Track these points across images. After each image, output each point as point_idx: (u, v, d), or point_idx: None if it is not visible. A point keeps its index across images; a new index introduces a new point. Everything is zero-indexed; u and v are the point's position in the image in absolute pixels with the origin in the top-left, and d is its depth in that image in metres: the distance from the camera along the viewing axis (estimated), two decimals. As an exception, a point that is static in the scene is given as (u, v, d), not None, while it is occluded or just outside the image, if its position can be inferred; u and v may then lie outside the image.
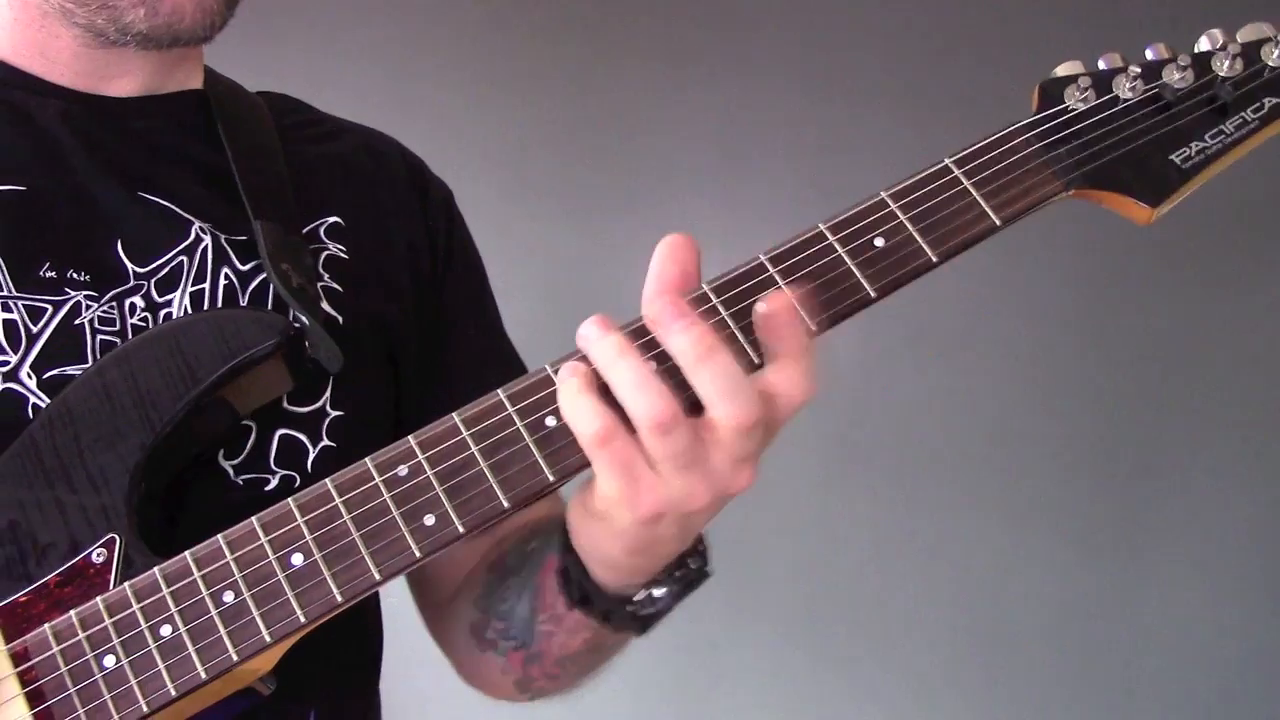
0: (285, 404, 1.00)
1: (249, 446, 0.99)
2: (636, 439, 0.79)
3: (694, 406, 0.80)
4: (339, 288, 1.07)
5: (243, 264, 1.03)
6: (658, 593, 0.91)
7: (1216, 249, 2.79)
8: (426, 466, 0.84)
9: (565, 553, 0.92)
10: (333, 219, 1.10)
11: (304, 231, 1.07)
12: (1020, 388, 2.84)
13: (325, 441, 1.02)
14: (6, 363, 0.94)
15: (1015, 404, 2.84)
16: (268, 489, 0.98)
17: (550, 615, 0.97)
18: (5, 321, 0.94)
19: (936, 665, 2.85)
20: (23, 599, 0.84)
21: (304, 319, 0.98)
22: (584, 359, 0.82)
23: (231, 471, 0.98)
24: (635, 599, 0.91)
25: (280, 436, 1.00)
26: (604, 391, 0.80)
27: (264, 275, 1.02)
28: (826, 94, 2.83)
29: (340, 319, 1.04)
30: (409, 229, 1.16)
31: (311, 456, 1.01)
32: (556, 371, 0.85)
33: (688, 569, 0.91)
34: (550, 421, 0.84)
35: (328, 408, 1.02)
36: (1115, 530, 2.84)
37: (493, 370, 1.09)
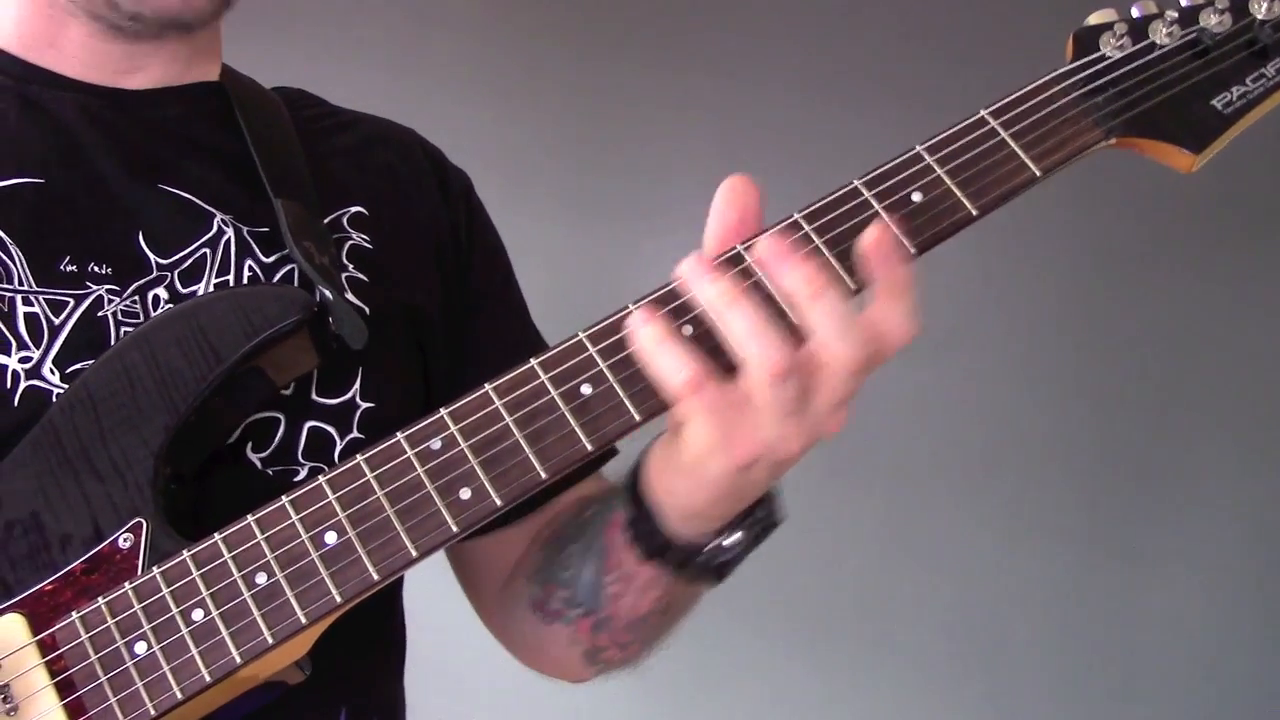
0: (314, 395, 0.98)
1: (277, 439, 0.97)
2: (725, 383, 0.78)
3: None
4: (364, 277, 1.04)
5: (266, 256, 1.00)
6: (728, 541, 0.89)
7: (1216, 248, 2.77)
8: (460, 439, 0.82)
9: (634, 507, 0.89)
10: (355, 209, 1.08)
11: (327, 221, 1.05)
12: (1019, 387, 2.83)
13: (354, 434, 0.99)
14: (29, 358, 0.91)
15: (1014, 404, 2.83)
16: (296, 480, 0.96)
17: (619, 574, 0.94)
18: (27, 315, 0.92)
19: (934, 665, 2.83)
20: (49, 587, 0.82)
21: (328, 293, 0.95)
22: (641, 308, 0.80)
23: (259, 464, 0.96)
24: (706, 548, 0.89)
25: (309, 429, 0.98)
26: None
27: (289, 268, 1.00)
28: (827, 94, 2.81)
29: (367, 309, 1.02)
30: (432, 218, 1.14)
31: (339, 448, 0.99)
32: (590, 336, 0.83)
33: (757, 515, 0.89)
34: (585, 389, 0.82)
35: (357, 399, 1.00)
36: (1115, 530, 2.82)
37: (521, 355, 1.07)
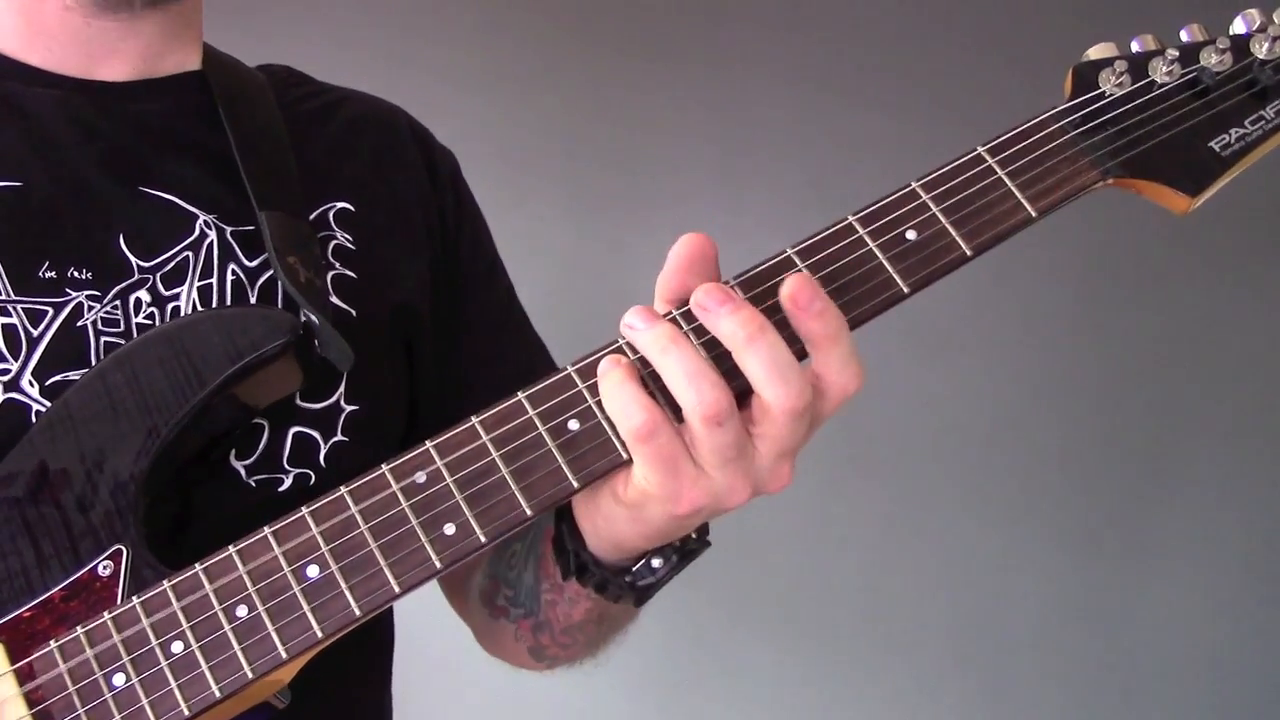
0: (298, 400, 0.97)
1: (261, 447, 0.95)
2: (680, 433, 0.78)
3: (737, 400, 0.78)
4: (351, 274, 1.03)
5: (250, 259, 0.99)
6: (656, 563, 0.88)
7: (1217, 249, 2.77)
8: (446, 473, 0.81)
9: (559, 522, 0.90)
10: (341, 204, 1.06)
11: (311, 218, 1.03)
12: (1019, 387, 2.83)
13: (338, 436, 0.98)
14: (7, 371, 0.90)
15: (1014, 404, 2.83)
16: (281, 489, 0.95)
17: (551, 584, 0.96)
18: (4, 326, 0.91)
19: (933, 665, 2.85)
20: (26, 614, 0.81)
21: (314, 317, 0.94)
22: (617, 351, 0.80)
23: (244, 472, 0.95)
24: (634, 569, 0.89)
25: (294, 435, 0.97)
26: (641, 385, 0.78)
27: (271, 271, 0.98)
28: (827, 94, 2.80)
29: (353, 311, 1.01)
30: (420, 202, 1.12)
31: (323, 451, 0.98)
32: (579, 371, 0.82)
33: (689, 539, 0.88)
34: (573, 425, 0.81)
35: (342, 403, 0.99)
36: (1114, 531, 2.84)
37: (508, 339, 1.06)
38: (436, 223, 1.13)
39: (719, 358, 0.78)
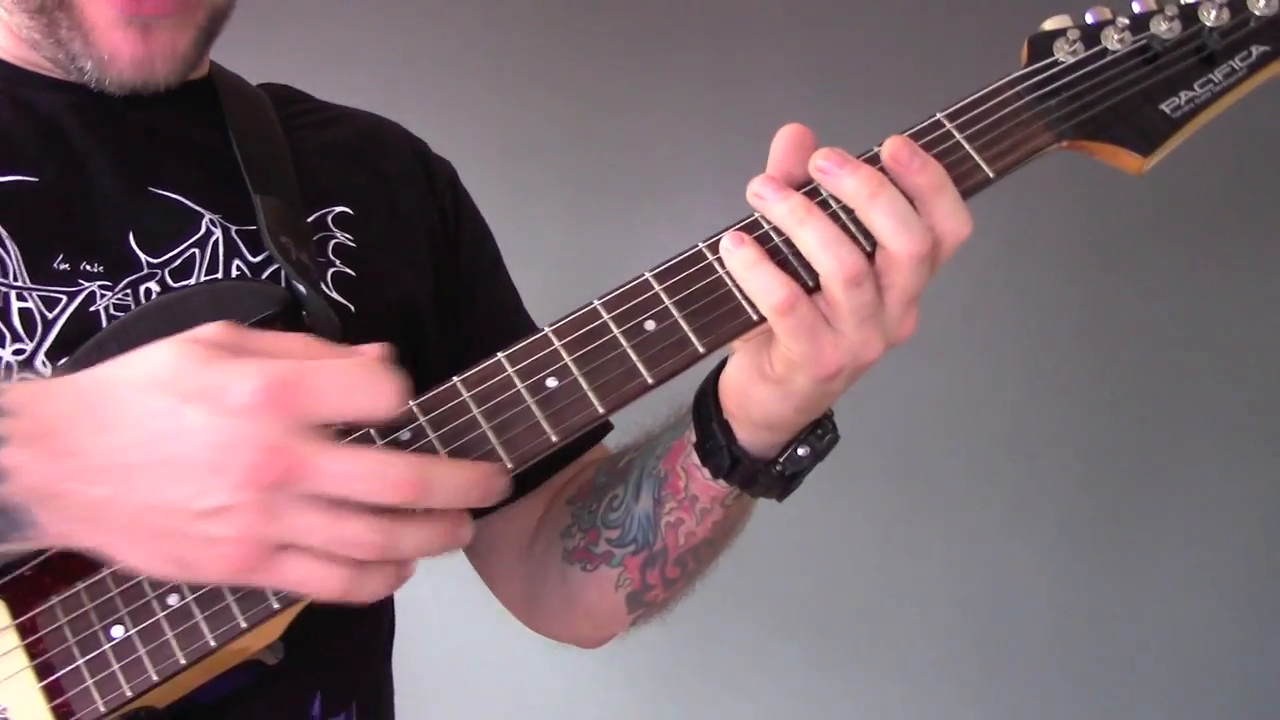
0: None
1: None
2: (814, 301, 0.83)
3: None
4: (351, 272, 1.07)
5: (253, 255, 1.03)
6: (802, 451, 0.94)
7: (1216, 244, 2.79)
8: (429, 429, 0.84)
9: (707, 424, 0.95)
10: (340, 208, 1.11)
11: (310, 220, 1.07)
12: (1020, 387, 2.84)
13: None
14: (22, 350, 0.94)
15: (1016, 404, 2.84)
16: None
17: (680, 500, 1.00)
18: (21, 310, 0.95)
19: (936, 666, 2.85)
20: (28, 573, 0.84)
21: (301, 288, 0.98)
22: (730, 233, 0.86)
23: None
24: (781, 459, 0.94)
25: None
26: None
27: (274, 267, 1.02)
28: (828, 88, 2.82)
29: (352, 307, 1.05)
30: (420, 210, 1.17)
31: None
32: (556, 332, 0.85)
33: (820, 431, 0.95)
34: (551, 383, 0.85)
35: None
36: (1117, 531, 2.84)
37: (514, 341, 1.10)
38: (437, 226, 1.17)
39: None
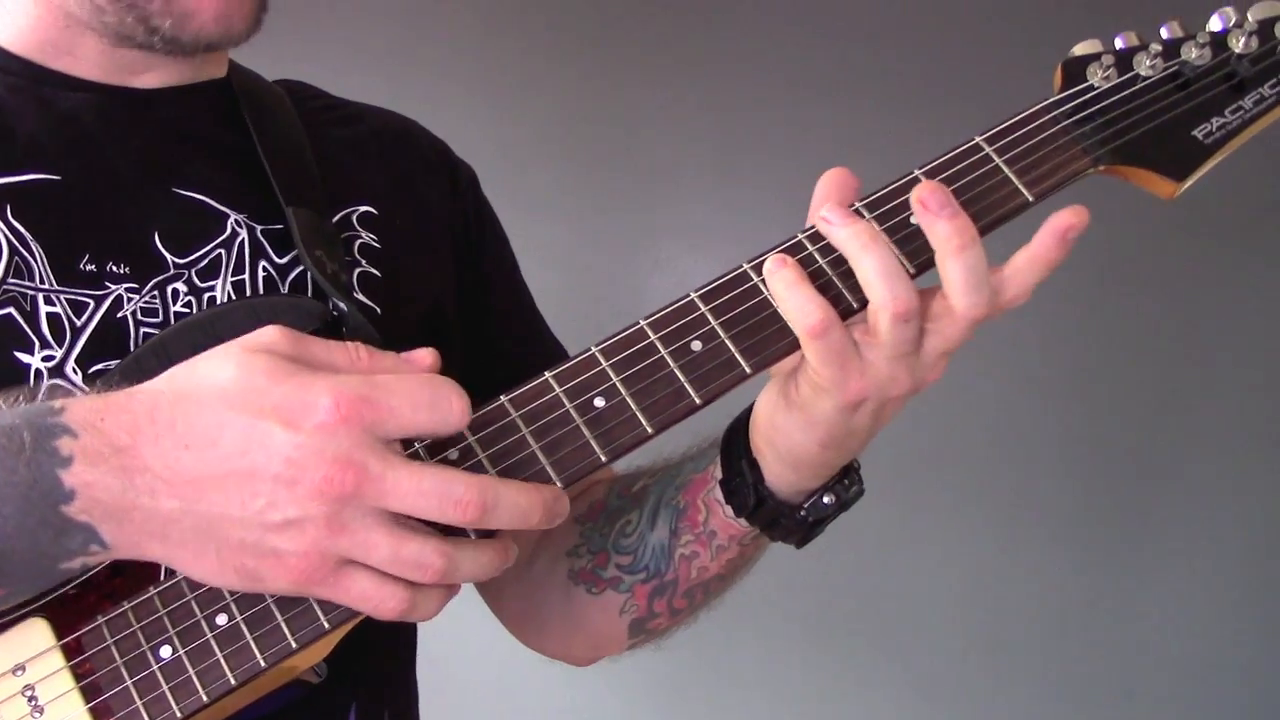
0: None
1: None
2: (845, 328, 0.84)
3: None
4: (376, 273, 1.06)
5: (279, 256, 1.02)
6: (828, 499, 0.96)
7: (1217, 247, 2.81)
8: (478, 449, 0.84)
9: (734, 462, 0.95)
10: (364, 208, 1.10)
11: (336, 220, 1.07)
12: (1020, 387, 2.86)
13: None
14: (52, 357, 0.93)
15: (1015, 404, 2.86)
16: None
17: (698, 534, 1.00)
18: (49, 315, 0.93)
19: (935, 666, 2.87)
20: (72, 592, 0.83)
21: (342, 304, 0.97)
22: (773, 256, 0.86)
23: None
24: (805, 505, 0.95)
25: None
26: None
27: (301, 268, 1.01)
28: (826, 94, 2.84)
29: (378, 309, 1.04)
30: (443, 210, 1.16)
31: None
32: (603, 352, 0.86)
33: (847, 482, 0.97)
34: (599, 402, 0.85)
35: None
36: (1116, 531, 2.86)
37: (531, 345, 1.09)
38: (460, 228, 1.17)
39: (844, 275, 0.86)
